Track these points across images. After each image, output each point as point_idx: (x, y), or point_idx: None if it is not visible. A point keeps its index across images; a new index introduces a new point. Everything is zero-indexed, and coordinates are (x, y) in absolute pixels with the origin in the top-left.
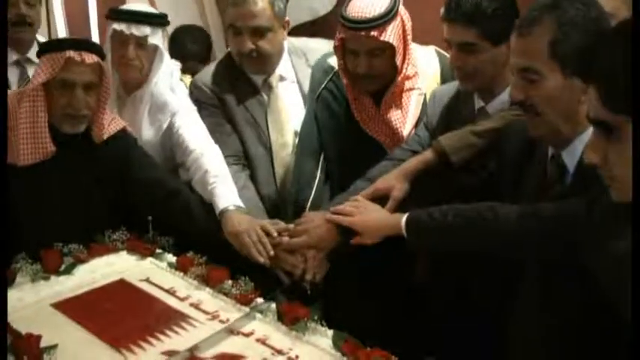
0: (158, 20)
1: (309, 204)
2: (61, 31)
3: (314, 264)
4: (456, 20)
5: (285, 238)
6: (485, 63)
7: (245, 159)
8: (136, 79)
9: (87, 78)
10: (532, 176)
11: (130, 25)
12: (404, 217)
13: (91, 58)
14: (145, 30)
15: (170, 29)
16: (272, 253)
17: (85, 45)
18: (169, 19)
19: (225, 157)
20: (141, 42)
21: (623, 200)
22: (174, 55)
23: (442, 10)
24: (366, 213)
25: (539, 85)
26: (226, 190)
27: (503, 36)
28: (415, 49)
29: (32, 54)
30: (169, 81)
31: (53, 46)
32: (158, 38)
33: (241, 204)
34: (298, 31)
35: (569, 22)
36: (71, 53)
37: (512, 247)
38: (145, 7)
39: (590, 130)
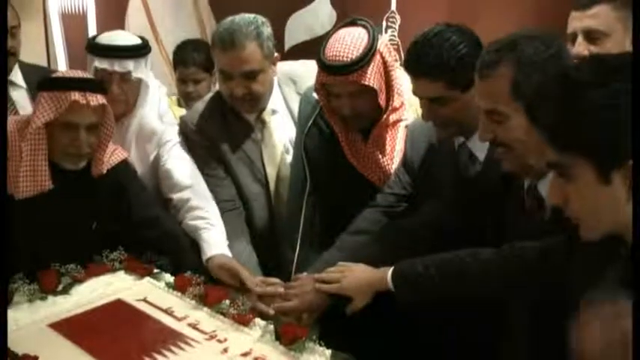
0: (141, 52)
1: (295, 258)
2: (60, 52)
3: (307, 324)
4: (420, 76)
5: (277, 303)
6: (458, 111)
7: (240, 199)
8: (121, 112)
9: (91, 120)
10: (510, 208)
11: (113, 61)
12: (389, 272)
13: (95, 100)
14: (128, 65)
15: (169, 40)
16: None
17: (90, 86)
18: (169, 32)
19: (221, 202)
20: (125, 77)
21: (589, 239)
22: (177, 63)
23: (403, 64)
24: (352, 276)
25: (505, 126)
26: (215, 237)
27: (473, 80)
28: (401, 75)
29: (13, 76)
30: (157, 109)
31: (58, 85)
32: (142, 70)
33: (229, 253)
34: (296, 50)
35: (528, 62)
36: (76, 96)
37: (496, 291)
38: (126, 39)
39: None
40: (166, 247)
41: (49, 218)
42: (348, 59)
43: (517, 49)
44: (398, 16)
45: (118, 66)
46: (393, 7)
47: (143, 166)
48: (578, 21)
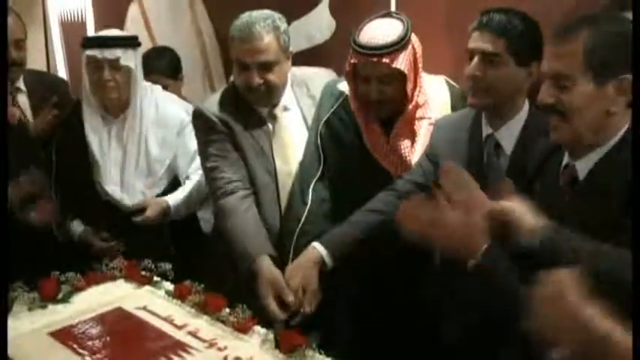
0: (128, 42)
1: (296, 233)
2: (59, 59)
3: (309, 297)
4: (486, 28)
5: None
6: (503, 79)
7: (252, 186)
8: (115, 101)
9: None
10: (544, 184)
11: (103, 49)
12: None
13: None
14: (117, 52)
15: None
16: None
17: None
18: (168, 42)
19: (234, 181)
20: (114, 64)
21: None
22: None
23: (474, 23)
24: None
25: (570, 92)
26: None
27: (527, 58)
28: (425, 77)
29: (18, 83)
30: (158, 94)
31: None
32: (130, 59)
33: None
34: (296, 58)
35: (607, 34)
36: None
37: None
38: (116, 32)
39: (611, 142)
40: None
41: None
42: (383, 42)
43: (598, 22)
44: None
45: (107, 53)
46: (393, 9)
47: (166, 149)
48: None
